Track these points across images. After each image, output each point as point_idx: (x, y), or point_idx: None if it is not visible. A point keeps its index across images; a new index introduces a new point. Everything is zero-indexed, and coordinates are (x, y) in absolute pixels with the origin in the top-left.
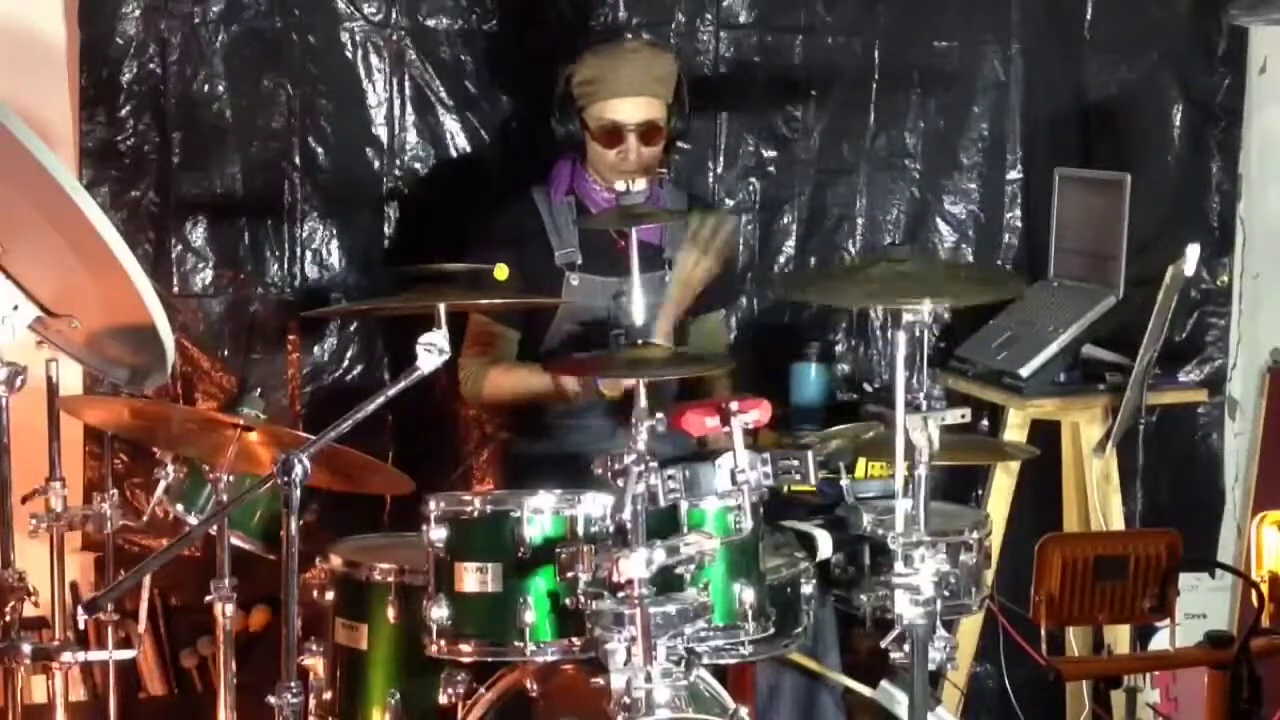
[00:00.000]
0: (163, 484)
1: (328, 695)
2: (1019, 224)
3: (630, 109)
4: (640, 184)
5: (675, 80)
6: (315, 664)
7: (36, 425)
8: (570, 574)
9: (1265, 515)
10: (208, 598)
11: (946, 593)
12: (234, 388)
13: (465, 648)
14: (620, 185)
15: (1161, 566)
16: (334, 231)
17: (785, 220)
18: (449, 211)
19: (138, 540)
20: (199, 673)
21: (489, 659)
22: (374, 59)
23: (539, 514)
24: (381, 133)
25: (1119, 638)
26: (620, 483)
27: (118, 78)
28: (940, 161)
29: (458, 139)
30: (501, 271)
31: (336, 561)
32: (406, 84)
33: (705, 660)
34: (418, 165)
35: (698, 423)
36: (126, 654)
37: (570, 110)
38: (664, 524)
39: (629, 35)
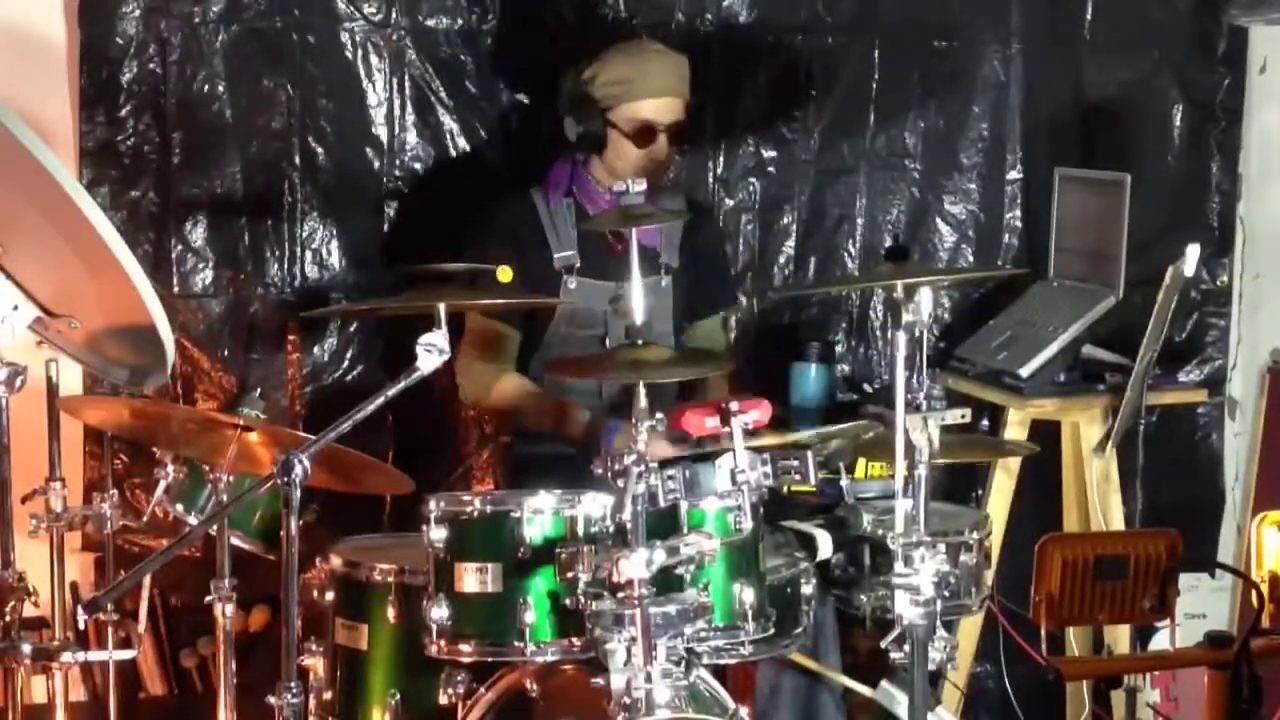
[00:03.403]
0: (163, 484)
1: (328, 695)
2: (1019, 224)
3: (663, 109)
4: (640, 184)
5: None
6: (315, 664)
7: (36, 425)
8: (570, 574)
9: (1265, 515)
10: (208, 598)
11: (946, 593)
12: (234, 388)
13: (465, 648)
14: (619, 186)
15: (1161, 566)
16: (334, 231)
17: (785, 220)
18: (449, 212)
19: (138, 540)
20: (199, 673)
21: (489, 659)
22: (374, 59)
23: (539, 514)
24: (381, 133)
25: (1119, 638)
26: (620, 483)
27: (118, 78)
28: (940, 161)
29: (458, 139)
30: (505, 274)
31: (336, 561)
32: (406, 84)
33: (705, 660)
34: (418, 165)
35: (698, 423)
36: (126, 654)
37: (592, 110)
38: (664, 524)
39: (643, 36)
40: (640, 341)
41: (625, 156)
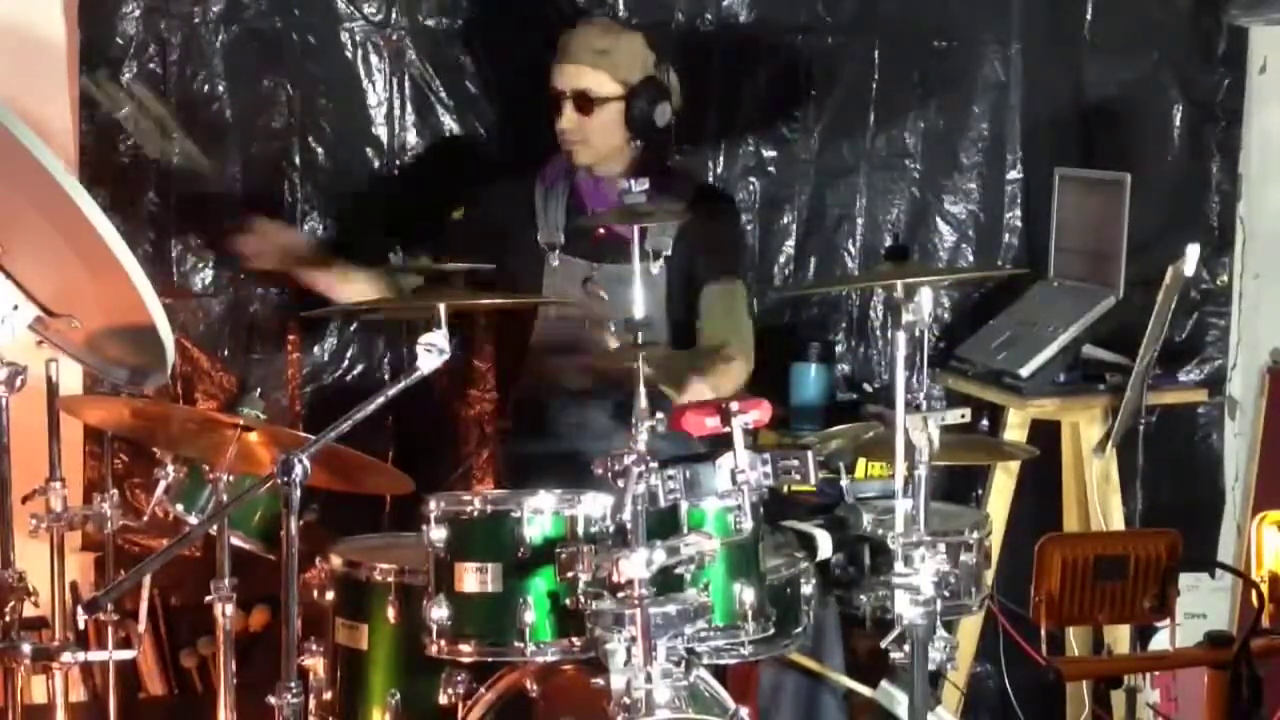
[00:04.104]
0: (163, 484)
1: (328, 695)
2: (1019, 224)
3: (566, 76)
4: (643, 183)
5: (628, 60)
6: (315, 664)
7: (36, 425)
8: (570, 574)
9: (1265, 515)
10: (208, 598)
11: (946, 593)
12: (234, 388)
13: (465, 648)
14: (623, 184)
15: (1161, 566)
16: (334, 231)
17: (785, 220)
18: (448, 211)
19: (138, 540)
20: (199, 673)
21: (489, 659)
22: (374, 59)
23: (539, 514)
24: (381, 133)
25: (1119, 638)
26: (620, 483)
27: (118, 78)
28: (940, 161)
29: (458, 139)
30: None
31: (336, 561)
32: (406, 84)
33: (705, 660)
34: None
35: (698, 423)
36: (126, 654)
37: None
38: (664, 524)
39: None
40: (638, 338)
41: (559, 123)
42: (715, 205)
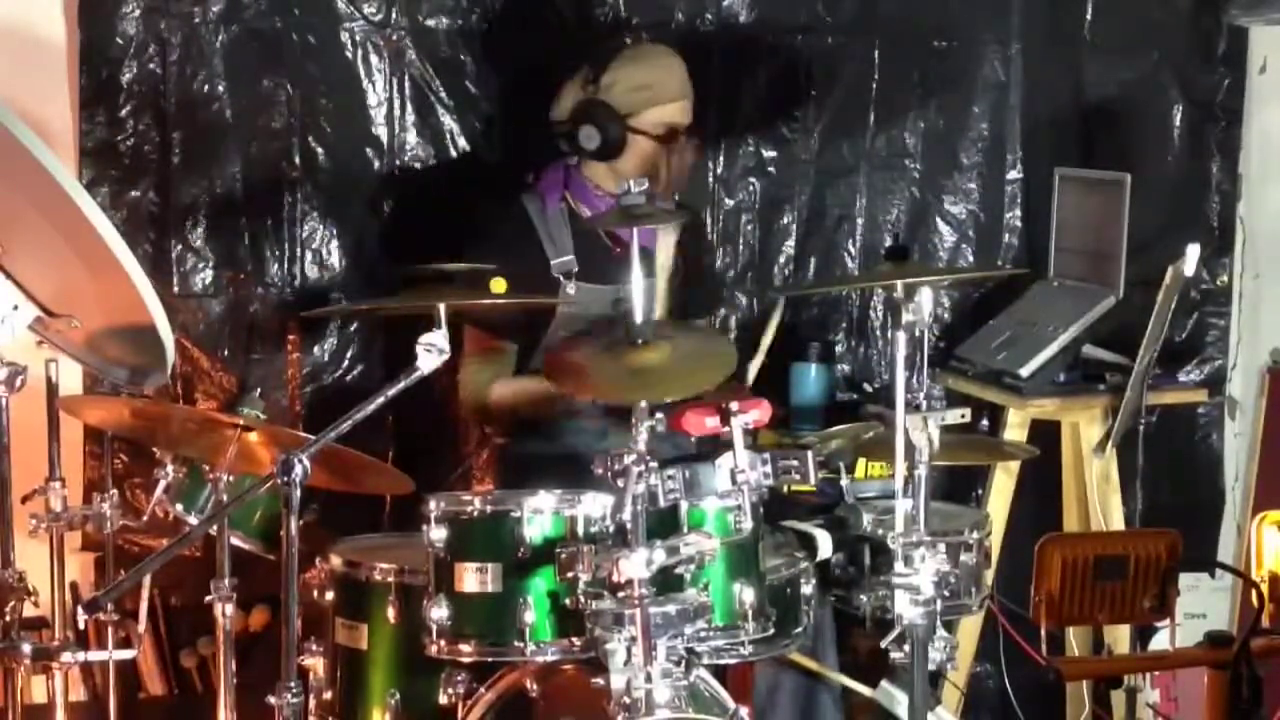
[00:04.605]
0: (163, 484)
1: (328, 695)
2: (1019, 224)
3: (683, 111)
4: (642, 183)
5: None
6: (315, 664)
7: (36, 425)
8: (570, 574)
9: (1265, 515)
10: (208, 598)
11: (946, 593)
12: (234, 388)
13: (465, 648)
14: (622, 186)
15: (1161, 566)
16: (334, 231)
17: (785, 220)
18: (449, 212)
19: (138, 540)
20: (199, 673)
21: (489, 659)
22: (374, 59)
23: (539, 514)
24: (381, 133)
25: (1119, 638)
26: (620, 483)
27: (118, 78)
28: (940, 161)
29: (458, 139)
30: (499, 284)
31: (336, 561)
32: (406, 84)
33: (705, 660)
34: (418, 165)
35: (698, 423)
36: (126, 654)
37: (611, 116)
38: (664, 524)
39: (644, 37)
40: (640, 340)
41: (641, 155)
42: (698, 227)
